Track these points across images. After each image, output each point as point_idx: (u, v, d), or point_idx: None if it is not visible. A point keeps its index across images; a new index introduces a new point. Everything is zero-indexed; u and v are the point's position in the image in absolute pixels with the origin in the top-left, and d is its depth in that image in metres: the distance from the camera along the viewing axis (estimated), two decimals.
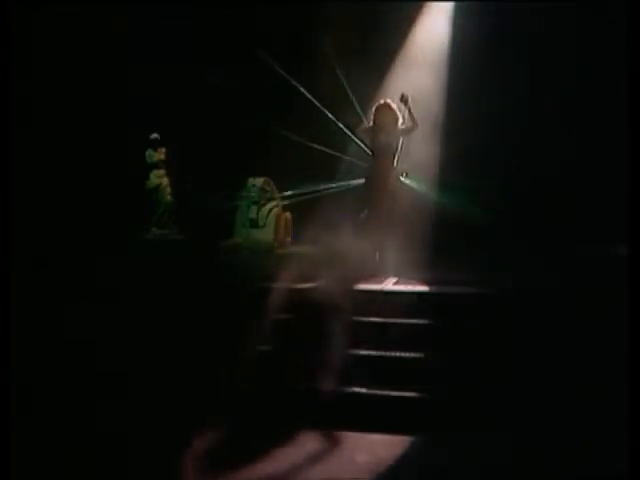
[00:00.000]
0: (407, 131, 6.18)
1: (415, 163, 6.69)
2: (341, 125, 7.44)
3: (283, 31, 7.75)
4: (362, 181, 6.48)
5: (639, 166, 3.20)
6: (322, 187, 7.41)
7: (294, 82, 7.54)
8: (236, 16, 7.77)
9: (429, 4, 7.74)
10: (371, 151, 6.35)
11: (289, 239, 7.45)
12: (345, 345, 4.75)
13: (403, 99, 6.06)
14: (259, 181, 7.29)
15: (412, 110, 6.06)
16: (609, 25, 6.21)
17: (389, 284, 5.63)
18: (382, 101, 6.18)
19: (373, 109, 6.21)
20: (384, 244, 6.05)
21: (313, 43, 7.59)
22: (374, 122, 6.20)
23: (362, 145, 6.78)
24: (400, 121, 6.14)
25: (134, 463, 3.87)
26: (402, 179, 6.34)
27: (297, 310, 5.02)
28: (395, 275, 5.87)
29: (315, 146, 7.45)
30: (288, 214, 7.48)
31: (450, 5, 7.66)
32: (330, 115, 7.54)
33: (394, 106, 6.10)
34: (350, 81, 7.42)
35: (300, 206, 7.26)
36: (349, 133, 7.21)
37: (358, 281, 5.52)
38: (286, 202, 7.55)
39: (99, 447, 4.04)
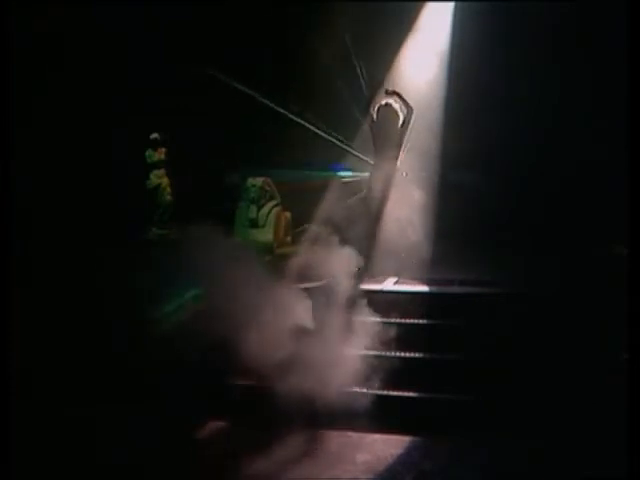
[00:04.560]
0: (406, 123, 6.18)
1: (415, 161, 6.70)
2: (336, 139, 7.49)
3: (282, 32, 7.75)
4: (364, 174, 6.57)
5: (639, 167, 3.20)
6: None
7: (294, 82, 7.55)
8: (236, 15, 7.77)
9: (429, 4, 7.73)
10: (374, 150, 6.40)
11: (289, 239, 7.45)
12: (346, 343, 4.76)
13: (389, 92, 6.14)
14: (259, 181, 7.27)
15: (403, 97, 6.13)
16: (609, 24, 6.21)
17: (389, 284, 5.63)
18: (383, 102, 6.20)
19: (375, 109, 6.22)
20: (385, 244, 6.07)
21: (312, 45, 7.59)
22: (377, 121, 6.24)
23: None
24: (401, 121, 6.16)
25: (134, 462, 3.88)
26: (403, 177, 6.38)
27: (297, 309, 5.02)
28: (395, 275, 5.87)
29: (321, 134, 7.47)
30: (288, 214, 7.47)
31: (450, 5, 7.66)
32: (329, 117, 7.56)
33: (396, 106, 6.14)
34: (350, 82, 7.42)
35: (300, 203, 7.25)
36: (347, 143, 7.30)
37: (358, 281, 5.52)
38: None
39: (99, 447, 4.06)
